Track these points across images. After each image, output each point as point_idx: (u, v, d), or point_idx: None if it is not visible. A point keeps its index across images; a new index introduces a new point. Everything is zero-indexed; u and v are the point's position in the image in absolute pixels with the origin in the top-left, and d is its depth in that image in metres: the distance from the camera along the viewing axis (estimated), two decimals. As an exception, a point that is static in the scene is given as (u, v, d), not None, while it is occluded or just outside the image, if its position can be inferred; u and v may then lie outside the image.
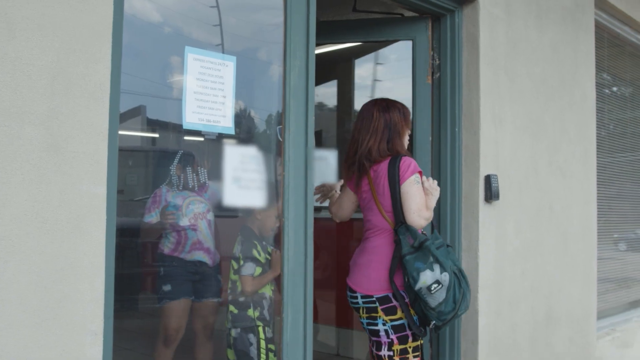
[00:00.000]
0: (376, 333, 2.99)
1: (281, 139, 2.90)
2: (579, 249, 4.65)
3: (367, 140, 3.07)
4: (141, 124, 5.20)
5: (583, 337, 4.69)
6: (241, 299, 3.25)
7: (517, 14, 4.08)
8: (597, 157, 5.27)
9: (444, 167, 3.77)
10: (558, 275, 4.38)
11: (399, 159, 2.99)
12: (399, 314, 2.94)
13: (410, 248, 2.88)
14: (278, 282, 3.09)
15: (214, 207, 3.74)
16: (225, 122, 2.83)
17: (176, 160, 3.68)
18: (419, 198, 2.95)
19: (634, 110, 6.47)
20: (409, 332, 2.96)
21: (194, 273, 3.70)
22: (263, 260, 3.26)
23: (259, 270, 3.21)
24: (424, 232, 3.02)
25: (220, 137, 2.91)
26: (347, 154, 3.20)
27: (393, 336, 2.94)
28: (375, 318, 2.98)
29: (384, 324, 2.96)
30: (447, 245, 3.02)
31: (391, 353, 2.96)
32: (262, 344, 3.21)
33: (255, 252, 3.24)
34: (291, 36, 3.05)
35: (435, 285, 2.80)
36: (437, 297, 2.81)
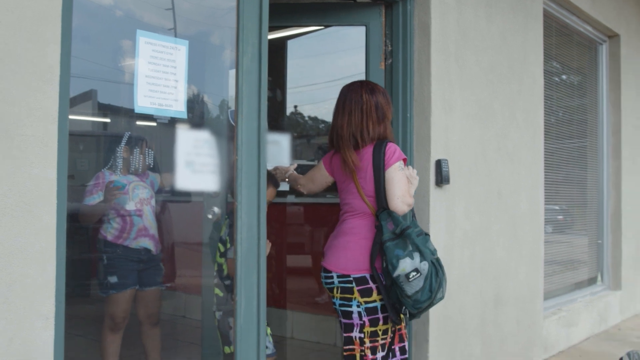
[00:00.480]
0: (349, 315, 3.01)
1: (234, 123, 2.90)
2: (527, 232, 4.77)
3: (361, 122, 3.04)
4: (92, 108, 5.12)
5: (530, 318, 4.83)
6: (227, 282, 3.22)
7: (467, 2, 4.15)
8: (546, 143, 5.41)
9: (395, 152, 3.83)
10: (506, 258, 4.49)
11: (384, 144, 3.00)
12: (374, 296, 2.97)
13: (392, 234, 2.89)
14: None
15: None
16: (177, 106, 2.82)
17: (123, 142, 3.62)
18: (403, 184, 2.97)
19: (581, 98, 6.64)
20: (380, 315, 2.99)
21: (139, 261, 3.65)
22: None
23: None
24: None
25: (173, 121, 2.90)
26: (330, 135, 3.16)
27: (365, 318, 2.97)
28: (349, 299, 2.99)
29: (358, 306, 2.98)
30: (425, 234, 3.03)
31: (362, 335, 3.00)
32: None
33: None
34: (244, 21, 3.04)
35: (414, 273, 2.81)
36: (414, 286, 2.82)
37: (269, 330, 3.40)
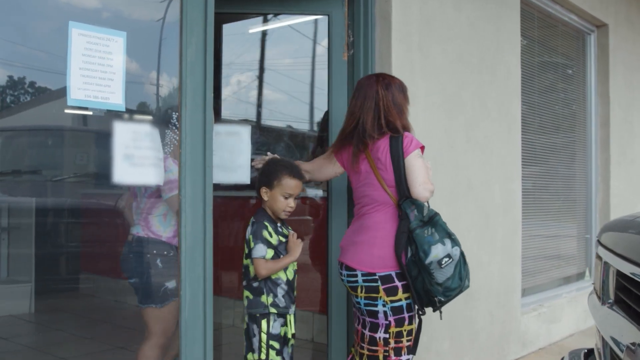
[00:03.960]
0: (374, 314, 2.97)
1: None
2: (501, 224, 4.69)
3: (380, 116, 3.05)
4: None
5: (506, 312, 4.75)
6: (255, 284, 3.06)
7: (433, -9, 4.08)
8: (532, 135, 5.33)
9: (356, 144, 3.77)
10: (477, 250, 4.41)
11: (401, 135, 3.01)
12: (399, 295, 2.94)
13: (419, 222, 2.89)
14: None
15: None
16: (114, 99, 2.78)
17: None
18: (424, 171, 2.98)
19: (569, 89, 6.53)
20: (406, 315, 2.97)
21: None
22: (275, 243, 3.09)
23: (270, 252, 3.05)
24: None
25: (111, 113, 2.84)
26: (344, 128, 3.17)
27: (391, 318, 2.94)
28: (375, 299, 2.96)
29: (384, 305, 2.95)
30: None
31: (387, 335, 2.96)
32: (263, 337, 3.06)
33: (266, 234, 3.07)
34: (187, 10, 3.00)
35: (447, 259, 2.82)
36: (445, 272, 2.83)
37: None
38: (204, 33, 3.05)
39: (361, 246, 3.01)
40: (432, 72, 4.04)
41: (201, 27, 3.05)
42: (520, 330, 4.93)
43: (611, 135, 6.54)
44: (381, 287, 2.93)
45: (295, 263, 3.19)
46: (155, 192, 3.16)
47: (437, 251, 2.81)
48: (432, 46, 4.05)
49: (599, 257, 2.36)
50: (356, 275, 2.98)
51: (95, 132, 4.77)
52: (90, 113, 2.97)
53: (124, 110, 2.82)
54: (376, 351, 2.98)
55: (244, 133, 3.94)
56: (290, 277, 3.14)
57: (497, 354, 4.62)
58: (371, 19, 3.82)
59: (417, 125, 3.84)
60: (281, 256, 3.11)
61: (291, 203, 3.12)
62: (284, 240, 3.15)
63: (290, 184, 3.12)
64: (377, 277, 2.94)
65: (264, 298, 3.06)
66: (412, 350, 3.03)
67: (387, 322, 2.95)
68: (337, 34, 3.86)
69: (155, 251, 3.17)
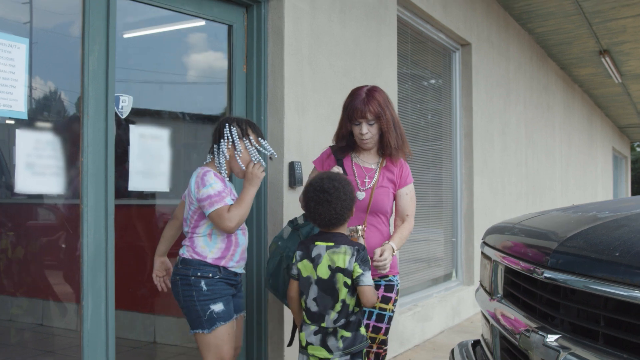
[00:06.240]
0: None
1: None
2: (381, 230, 4.96)
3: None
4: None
5: (386, 313, 5.02)
6: (352, 318, 2.72)
7: (321, 8, 4.27)
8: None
9: (250, 153, 3.88)
10: (361, 255, 4.64)
11: None
12: None
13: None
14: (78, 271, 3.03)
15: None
16: (16, 107, 2.73)
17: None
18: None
19: (437, 102, 6.98)
20: None
21: (234, 286, 3.09)
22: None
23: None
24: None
25: (13, 121, 2.78)
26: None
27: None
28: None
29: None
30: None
31: None
32: None
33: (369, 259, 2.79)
34: (90, 19, 3.00)
35: None
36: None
37: None
38: (106, 41, 3.06)
39: None
40: (321, 86, 4.23)
41: (103, 35, 3.05)
42: (399, 329, 5.23)
43: (474, 145, 7.05)
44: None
45: None
46: (198, 209, 2.97)
47: None
48: (321, 60, 4.25)
49: (487, 258, 2.62)
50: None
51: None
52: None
53: (26, 118, 2.78)
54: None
55: (164, 136, 3.90)
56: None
57: (379, 352, 4.88)
58: (264, 33, 3.94)
59: (307, 136, 4.03)
60: None
61: None
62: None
63: None
64: None
65: (362, 330, 2.76)
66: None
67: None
68: (238, 45, 3.94)
69: (199, 273, 2.93)
